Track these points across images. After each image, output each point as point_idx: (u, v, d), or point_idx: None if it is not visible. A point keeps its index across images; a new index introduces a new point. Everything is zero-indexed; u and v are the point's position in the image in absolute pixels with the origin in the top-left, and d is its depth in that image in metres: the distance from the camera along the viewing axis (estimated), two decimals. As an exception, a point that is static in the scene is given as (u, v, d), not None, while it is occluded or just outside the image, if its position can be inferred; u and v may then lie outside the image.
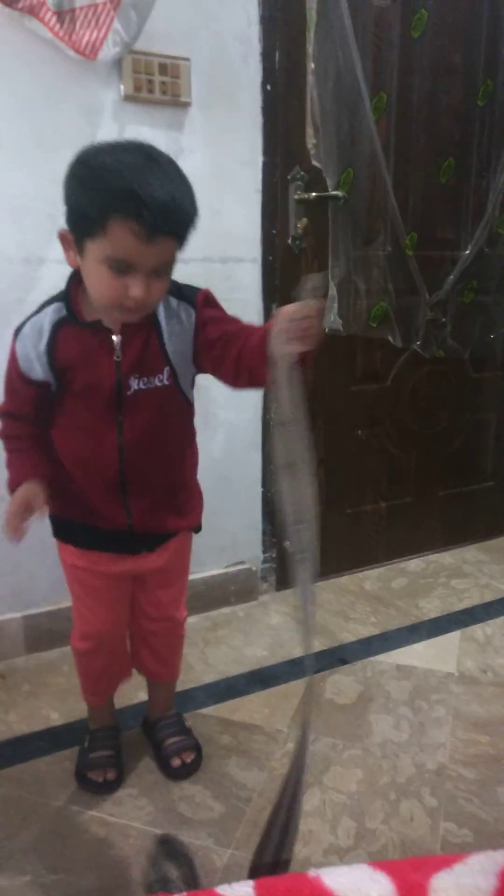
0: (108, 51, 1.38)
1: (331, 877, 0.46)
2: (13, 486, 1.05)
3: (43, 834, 1.14)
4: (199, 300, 1.05)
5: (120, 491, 1.07)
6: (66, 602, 1.61)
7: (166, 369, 1.04)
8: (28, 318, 1.04)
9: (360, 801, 1.19)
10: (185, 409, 1.11)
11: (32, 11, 1.32)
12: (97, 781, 1.22)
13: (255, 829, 1.13)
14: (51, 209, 1.46)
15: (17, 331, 1.04)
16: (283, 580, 1.94)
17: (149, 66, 1.50)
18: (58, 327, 1.01)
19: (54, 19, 1.32)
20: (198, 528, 1.24)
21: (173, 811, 1.18)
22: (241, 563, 1.88)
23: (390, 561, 2.08)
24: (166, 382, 1.04)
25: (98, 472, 1.07)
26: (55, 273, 1.46)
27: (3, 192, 1.44)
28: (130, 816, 1.17)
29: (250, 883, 0.45)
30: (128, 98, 1.50)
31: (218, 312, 1.07)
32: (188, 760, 1.25)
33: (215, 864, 1.07)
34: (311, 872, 0.46)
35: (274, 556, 1.92)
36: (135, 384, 1.02)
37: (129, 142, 0.94)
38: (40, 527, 1.22)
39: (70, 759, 1.29)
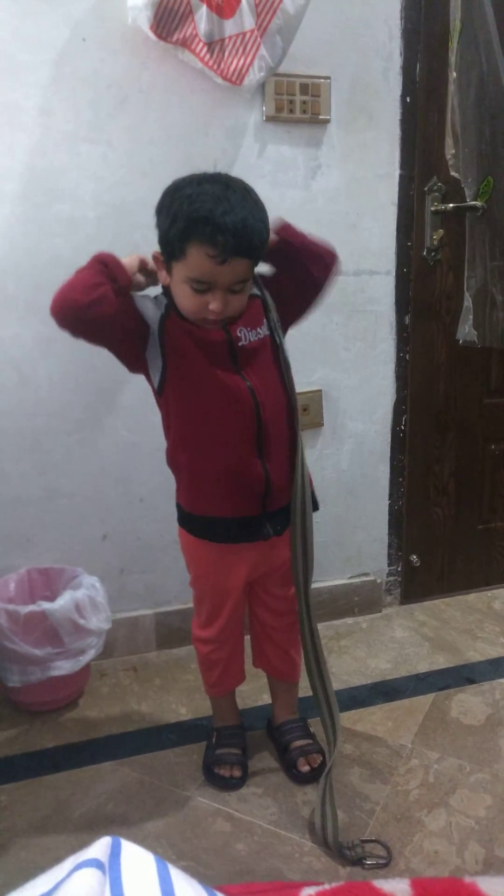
0: (254, 76, 1.43)
1: (488, 884, 0.46)
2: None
3: (173, 820, 1.20)
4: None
5: (257, 446, 1.12)
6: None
7: (264, 321, 1.13)
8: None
9: (490, 828, 1.15)
10: (285, 365, 1.16)
11: (185, 44, 1.40)
12: (224, 777, 1.27)
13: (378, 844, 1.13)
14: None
15: None
16: (408, 594, 1.92)
17: (290, 87, 1.55)
18: (166, 318, 1.09)
19: (205, 50, 1.39)
20: (317, 505, 1.24)
21: (296, 814, 1.20)
22: (366, 574, 1.88)
23: (522, 581, 2.00)
24: (267, 333, 1.12)
25: (238, 425, 1.10)
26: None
27: (150, 213, 1.52)
28: (255, 815, 1.20)
29: (406, 881, 0.46)
30: (269, 119, 1.55)
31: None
32: (315, 765, 1.27)
33: (338, 872, 1.08)
34: (467, 878, 0.46)
35: (399, 569, 1.90)
36: (243, 336, 1.09)
37: (212, 173, 1.05)
38: (175, 529, 1.28)
39: (197, 753, 1.35)
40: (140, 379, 1.59)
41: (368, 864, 1.09)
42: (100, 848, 0.62)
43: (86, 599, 1.49)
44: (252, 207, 1.01)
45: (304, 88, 1.56)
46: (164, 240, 1.04)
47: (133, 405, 1.62)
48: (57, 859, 1.10)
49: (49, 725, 1.45)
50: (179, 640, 1.74)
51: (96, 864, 0.58)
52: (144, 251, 1.55)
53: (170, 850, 1.13)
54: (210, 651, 1.29)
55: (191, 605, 1.71)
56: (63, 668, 1.44)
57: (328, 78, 1.57)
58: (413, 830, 1.15)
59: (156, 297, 1.12)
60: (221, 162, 1.54)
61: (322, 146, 1.62)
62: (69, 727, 1.45)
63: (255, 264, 1.07)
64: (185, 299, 1.04)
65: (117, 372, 1.60)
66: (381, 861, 1.09)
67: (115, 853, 0.59)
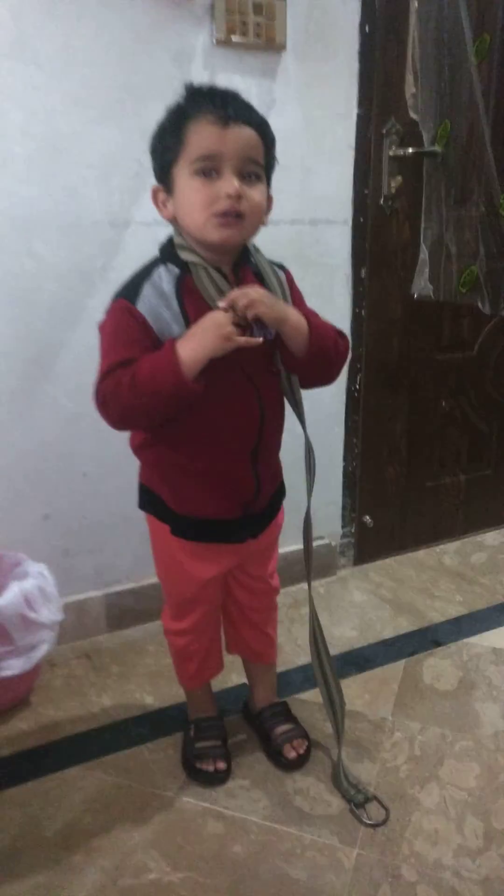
0: (206, -10, 1.25)
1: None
2: (171, 365, 0.90)
3: (160, 827, 1.11)
4: (290, 276, 1.07)
5: (253, 453, 1.04)
6: (149, 579, 1.58)
7: None
8: (136, 282, 0.96)
9: (483, 799, 1.15)
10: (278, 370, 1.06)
11: None
12: (208, 772, 1.20)
13: (380, 827, 1.11)
14: (138, 167, 1.36)
15: (127, 293, 0.95)
16: (361, 555, 1.89)
17: (243, 6, 1.37)
18: (180, 288, 0.95)
19: (153, -46, 1.19)
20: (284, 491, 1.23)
21: (290, 805, 1.15)
22: (321, 538, 1.82)
23: (467, 534, 2.02)
24: (273, 335, 0.99)
25: (240, 429, 1.02)
26: (142, 237, 1.38)
27: (89, 149, 1.34)
28: (247, 810, 1.14)
29: None
30: (220, 43, 1.37)
31: (300, 297, 1.07)
32: (301, 751, 1.23)
33: (343, 865, 1.05)
34: None
35: (353, 531, 1.87)
36: (255, 329, 0.97)
37: None
38: (124, 504, 1.19)
39: (173, 747, 1.27)
40: (80, 340, 1.42)
41: (367, 822, 1.11)
42: None
43: (35, 590, 1.34)
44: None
45: (258, 8, 1.38)
46: (160, 149, 0.94)
47: (72, 370, 1.44)
48: (37, 886, 1.02)
49: (2, 730, 1.32)
50: (132, 620, 1.63)
51: None
52: (83, 194, 1.36)
53: (163, 862, 1.06)
54: (187, 643, 1.19)
55: (144, 583, 1.62)
56: (14, 667, 1.29)
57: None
58: (410, 809, 1.14)
59: (151, 269, 0.97)
60: (167, 91, 1.35)
61: (277, 78, 1.46)
62: (26, 730, 1.32)
63: (266, 150, 0.94)
64: (194, 197, 0.91)
65: (53, 333, 1.43)
66: (379, 821, 1.12)
67: None
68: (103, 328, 0.97)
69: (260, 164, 0.93)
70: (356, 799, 1.14)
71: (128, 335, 0.94)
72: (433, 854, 1.06)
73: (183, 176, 0.92)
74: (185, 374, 0.90)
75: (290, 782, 1.20)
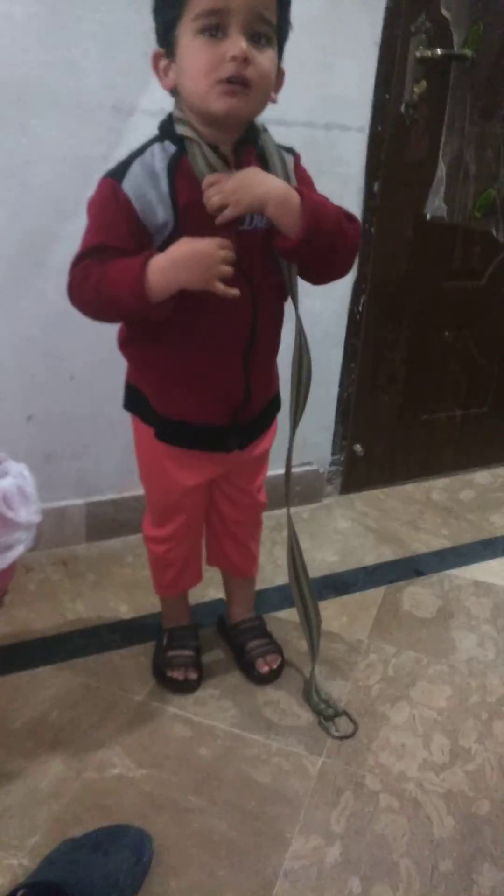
0: None
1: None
2: (137, 279, 0.85)
3: (127, 727, 1.11)
4: (298, 160, 0.99)
5: (245, 355, 0.98)
6: (132, 491, 1.55)
7: None
8: (127, 161, 0.89)
9: (452, 719, 1.15)
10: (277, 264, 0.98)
11: None
12: (178, 679, 1.19)
13: (346, 740, 1.11)
14: (145, 46, 1.25)
15: (116, 172, 0.89)
16: (348, 484, 1.86)
17: None
18: (173, 167, 0.88)
19: None
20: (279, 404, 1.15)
21: (259, 716, 1.15)
22: (309, 463, 1.79)
23: (457, 472, 1.99)
24: (268, 225, 0.91)
25: (231, 329, 0.96)
26: (146, 126, 1.28)
27: (93, 21, 1.23)
28: (215, 717, 1.14)
29: None
30: None
31: (310, 182, 0.99)
32: (274, 666, 1.22)
33: (308, 772, 1.05)
34: None
35: (342, 458, 1.83)
36: (247, 219, 0.90)
37: None
38: (111, 410, 1.14)
39: (145, 655, 1.26)
40: (74, 233, 1.32)
41: (335, 734, 1.11)
42: None
43: (14, 489, 1.29)
44: None
45: None
46: (163, 6, 0.86)
47: (64, 265, 1.34)
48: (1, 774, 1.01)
49: (-27, 627, 1.31)
50: (112, 531, 1.60)
51: None
52: (84, 70, 1.25)
53: (127, 759, 1.05)
54: (165, 551, 1.16)
55: (126, 494, 1.58)
56: (-12, 565, 1.27)
57: None
58: (378, 725, 1.14)
59: (145, 148, 0.90)
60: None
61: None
62: (-3, 628, 1.31)
63: (279, 8, 0.85)
64: (197, 58, 0.82)
65: (46, 224, 1.34)
66: (347, 733, 1.11)
67: None
68: (90, 206, 0.92)
69: (272, 24, 0.84)
70: (326, 713, 1.14)
71: (108, 217, 0.89)
72: (398, 766, 1.06)
73: (186, 36, 0.83)
74: (149, 299, 0.85)
75: (260, 695, 1.19)
